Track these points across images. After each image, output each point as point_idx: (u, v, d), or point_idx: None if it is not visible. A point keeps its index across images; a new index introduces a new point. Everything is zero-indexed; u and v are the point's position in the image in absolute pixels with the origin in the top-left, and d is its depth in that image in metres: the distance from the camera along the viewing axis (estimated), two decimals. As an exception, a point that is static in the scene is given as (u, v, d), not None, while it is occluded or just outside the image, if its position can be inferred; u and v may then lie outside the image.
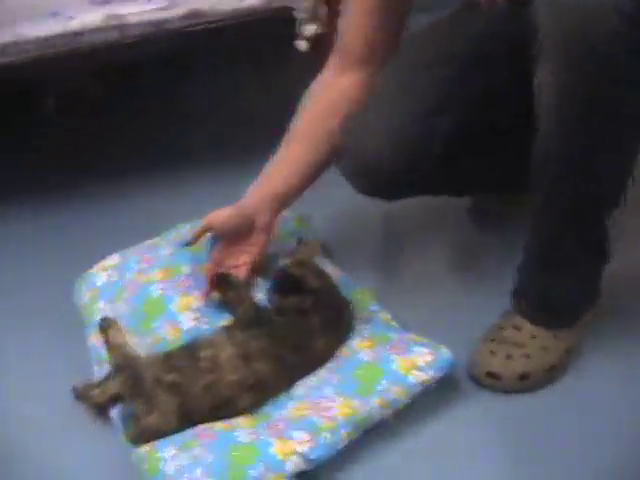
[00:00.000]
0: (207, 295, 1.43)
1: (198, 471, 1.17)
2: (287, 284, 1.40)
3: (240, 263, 1.46)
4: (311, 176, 1.49)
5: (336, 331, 1.39)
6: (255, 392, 1.29)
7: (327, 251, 1.61)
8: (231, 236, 1.45)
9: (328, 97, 1.47)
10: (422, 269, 1.70)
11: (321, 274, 1.44)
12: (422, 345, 1.35)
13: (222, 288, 1.43)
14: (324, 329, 1.37)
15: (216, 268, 1.45)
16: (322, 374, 1.33)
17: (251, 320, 1.38)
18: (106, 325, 1.44)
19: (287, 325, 1.36)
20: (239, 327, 1.37)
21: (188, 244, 1.45)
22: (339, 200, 1.73)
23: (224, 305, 1.43)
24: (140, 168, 2.02)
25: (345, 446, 1.23)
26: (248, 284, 1.45)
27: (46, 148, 2.19)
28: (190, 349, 1.33)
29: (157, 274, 1.50)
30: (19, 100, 2.22)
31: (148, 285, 1.48)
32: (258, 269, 1.48)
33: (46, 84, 2.37)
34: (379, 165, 1.38)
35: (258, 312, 1.40)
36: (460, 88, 1.39)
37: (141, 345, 1.41)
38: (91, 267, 1.58)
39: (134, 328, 1.43)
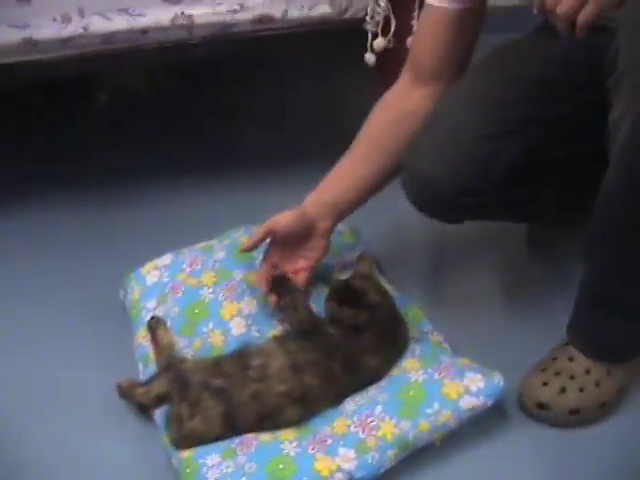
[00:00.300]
0: (267, 294, 1.42)
1: (242, 481, 1.16)
2: (347, 295, 1.38)
3: (298, 267, 1.45)
4: (372, 189, 1.47)
5: (390, 350, 1.37)
6: (302, 404, 1.27)
7: (380, 267, 1.59)
8: (291, 241, 1.43)
9: (397, 110, 1.45)
10: (473, 290, 1.68)
11: (383, 290, 1.43)
12: (474, 370, 1.32)
13: (279, 291, 1.42)
14: (377, 347, 1.35)
15: (272, 271, 1.43)
16: (371, 392, 1.31)
17: (305, 330, 1.36)
18: (155, 324, 1.43)
19: (340, 339, 1.34)
20: (291, 336, 1.36)
21: (247, 250, 1.42)
22: (392, 215, 1.73)
23: (278, 309, 1.42)
24: (192, 171, 2.02)
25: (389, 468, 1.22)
26: (305, 291, 1.44)
27: (95, 142, 2.20)
28: (240, 356, 1.32)
29: (208, 277, 1.49)
30: (70, 92, 2.28)
31: (198, 288, 1.48)
32: (312, 276, 1.47)
33: (100, 78, 2.44)
34: (436, 187, 1.35)
35: (314, 323, 1.38)
36: (527, 114, 1.35)
37: (187, 348, 1.41)
38: (141, 265, 1.57)
39: (181, 330, 1.43)
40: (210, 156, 2.10)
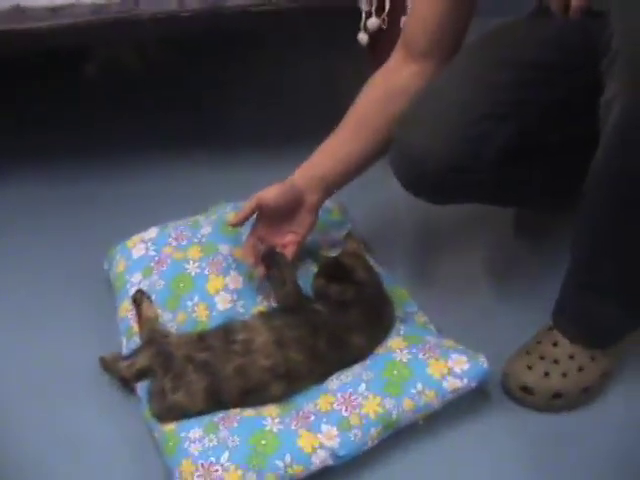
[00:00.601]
0: (253, 269, 1.42)
1: (225, 455, 1.16)
2: (335, 271, 1.38)
3: (285, 242, 1.44)
4: (360, 165, 1.47)
5: (375, 329, 1.37)
6: (286, 381, 1.27)
7: (367, 246, 1.59)
8: (279, 215, 1.42)
9: (388, 86, 1.45)
10: (459, 272, 1.67)
11: (370, 269, 1.42)
12: (459, 352, 1.32)
13: (268, 265, 1.41)
14: (363, 325, 1.34)
15: (259, 245, 1.43)
16: (356, 370, 1.30)
17: (291, 306, 1.36)
18: (139, 298, 1.43)
19: (327, 316, 1.34)
20: (277, 312, 1.36)
21: (235, 224, 1.41)
22: (380, 194, 1.71)
23: (266, 282, 1.42)
24: (184, 145, 2.01)
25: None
26: (293, 265, 1.43)
27: (83, 114, 2.19)
28: (225, 331, 1.31)
29: (194, 251, 1.50)
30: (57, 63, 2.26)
31: (184, 261, 1.48)
32: (299, 252, 1.46)
33: (93, 50, 2.44)
34: (424, 163, 1.34)
35: (300, 298, 1.38)
36: (520, 96, 1.34)
37: (171, 321, 1.41)
38: (127, 239, 1.56)
39: (166, 303, 1.43)
40: (203, 131, 2.10)
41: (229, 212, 1.57)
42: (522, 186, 1.46)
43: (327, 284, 1.37)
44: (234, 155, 1.96)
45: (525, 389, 1.31)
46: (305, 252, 1.50)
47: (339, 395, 1.26)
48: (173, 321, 1.40)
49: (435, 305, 1.50)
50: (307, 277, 1.43)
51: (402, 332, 1.38)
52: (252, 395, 1.25)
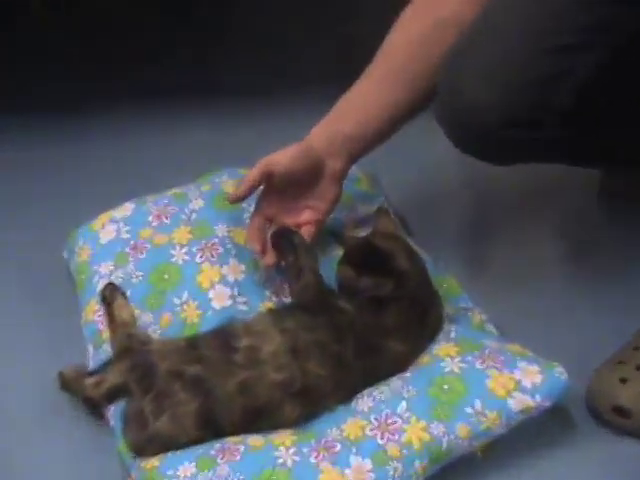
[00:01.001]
0: (260, 256, 1.42)
1: (223, 500, 1.15)
2: (368, 258, 1.38)
3: (302, 221, 1.45)
4: (396, 121, 1.46)
5: (419, 331, 1.36)
6: (304, 399, 1.26)
7: (405, 225, 1.60)
8: (293, 186, 1.43)
9: (428, 19, 1.43)
10: (524, 258, 1.67)
11: (413, 254, 1.42)
12: (528, 360, 1.31)
13: (280, 248, 1.42)
14: (404, 327, 1.34)
15: (266, 226, 1.43)
16: (394, 385, 1.29)
17: (310, 303, 1.36)
18: (110, 294, 1.43)
19: (355, 316, 1.33)
20: (291, 310, 1.36)
21: (236, 199, 1.41)
22: (421, 156, 1.71)
23: (277, 272, 1.43)
24: (162, 96, 2.02)
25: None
26: (312, 251, 1.43)
27: (38, 56, 2.22)
28: (223, 336, 1.31)
29: (181, 233, 1.50)
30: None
31: (168, 247, 1.48)
32: (319, 234, 1.47)
33: None
34: (482, 115, 1.34)
35: (322, 293, 1.38)
36: (606, 18, 1.31)
37: (153, 325, 1.41)
38: (92, 218, 1.57)
39: (145, 302, 1.43)
40: (189, 80, 2.12)
41: (227, 181, 1.57)
42: (606, 142, 1.45)
43: (357, 275, 1.36)
44: (237, 113, 1.99)
45: (619, 410, 1.30)
46: (327, 233, 1.51)
47: (372, 418, 1.24)
48: (156, 324, 1.40)
49: (494, 299, 1.51)
50: (330, 265, 1.43)
51: (453, 335, 1.38)
52: (259, 419, 1.25)
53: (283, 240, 1.42)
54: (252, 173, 1.39)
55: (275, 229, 1.42)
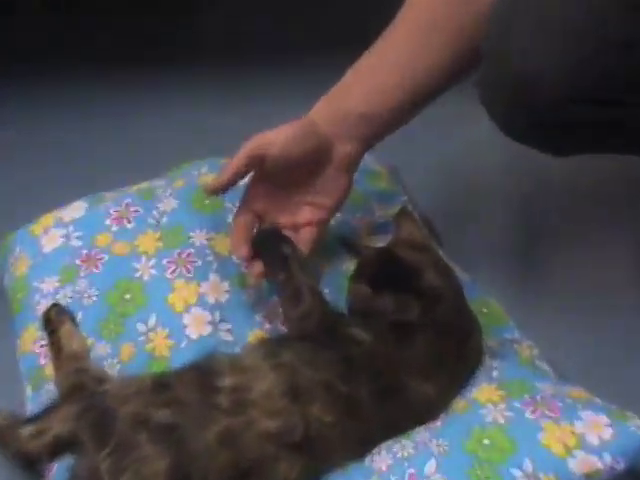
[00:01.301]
0: (247, 267, 1.42)
1: None
2: (389, 273, 1.36)
3: (301, 221, 1.43)
4: (425, 94, 1.45)
5: (453, 368, 1.34)
6: (305, 453, 1.23)
7: (433, 232, 1.60)
8: (290, 175, 1.41)
9: None
10: (584, 282, 1.67)
11: (446, 270, 1.41)
12: (595, 409, 1.27)
13: (266, 258, 1.41)
14: (433, 363, 1.32)
15: (256, 226, 1.42)
16: (420, 437, 1.27)
17: (312, 332, 1.34)
18: (55, 318, 1.42)
19: (372, 348, 1.31)
20: (288, 341, 1.35)
21: (215, 189, 1.39)
22: (454, 145, 1.72)
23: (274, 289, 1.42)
24: (128, 64, 2.10)
25: None
26: (308, 264, 1.41)
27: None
28: (200, 373, 1.28)
29: (148, 240, 1.50)
30: None
31: (131, 258, 1.48)
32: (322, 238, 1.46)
33: None
34: (536, 87, 1.32)
35: (327, 318, 1.36)
36: None
37: (111, 358, 1.40)
38: (32, 220, 1.58)
39: (101, 328, 1.42)
40: (163, 45, 2.21)
41: (205, 174, 1.58)
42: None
43: (375, 294, 1.35)
44: (210, 81, 2.07)
45: None
46: (334, 240, 1.52)
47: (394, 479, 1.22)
48: (114, 357, 1.39)
49: (548, 329, 1.51)
50: (338, 282, 1.45)
51: (496, 374, 1.36)
52: (248, 479, 1.21)
53: (269, 250, 1.41)
54: (238, 157, 1.38)
55: (258, 233, 1.42)
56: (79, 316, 1.43)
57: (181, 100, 2.02)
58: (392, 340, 1.33)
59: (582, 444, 1.22)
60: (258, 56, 2.12)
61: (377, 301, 1.35)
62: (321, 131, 1.41)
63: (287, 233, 1.43)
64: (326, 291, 1.41)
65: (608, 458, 1.21)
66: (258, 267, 1.42)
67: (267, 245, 1.41)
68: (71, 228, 1.53)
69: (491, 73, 1.38)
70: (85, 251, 1.50)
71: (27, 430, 1.28)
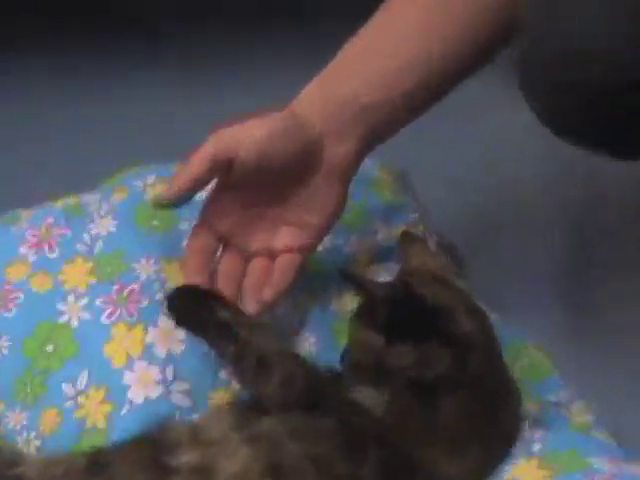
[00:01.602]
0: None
1: None
2: (407, 315, 1.29)
3: (278, 247, 1.39)
4: (442, 78, 1.42)
5: (485, 440, 1.29)
6: None
7: (456, 257, 1.59)
8: (266, 183, 1.36)
9: None
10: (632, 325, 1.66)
11: (475, 308, 1.36)
12: None
13: (203, 335, 1.35)
14: (462, 432, 1.27)
15: (216, 249, 1.38)
16: None
17: (303, 399, 1.27)
18: None
19: (379, 417, 1.26)
20: (265, 407, 1.28)
21: (167, 201, 1.34)
22: (479, 146, 1.80)
23: None
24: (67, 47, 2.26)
25: None
26: (262, 325, 1.36)
27: None
28: (149, 448, 1.23)
29: (77, 273, 1.45)
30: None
31: (54, 296, 1.43)
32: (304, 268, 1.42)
33: None
34: (589, 69, 1.29)
35: (318, 382, 1.30)
36: None
37: (30, 430, 1.35)
38: None
39: (15, 389, 1.38)
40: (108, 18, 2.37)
41: (153, 184, 1.55)
42: None
43: (387, 343, 1.27)
44: (170, 60, 2.20)
45: None
46: (321, 270, 1.49)
47: None
48: (32, 429, 1.35)
49: (608, 387, 1.52)
50: (329, 326, 1.45)
51: (538, 447, 1.32)
52: None
53: (198, 320, 1.36)
54: (197, 159, 1.32)
55: (169, 298, 1.37)
56: (-12, 372, 1.38)
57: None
58: (409, 404, 1.27)
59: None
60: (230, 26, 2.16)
61: (390, 353, 1.29)
62: (308, 126, 1.37)
63: (260, 262, 1.39)
64: (312, 340, 1.40)
65: None
66: None
67: (193, 314, 1.36)
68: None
69: (531, 50, 1.36)
70: (-9, 285, 1.46)
71: None
